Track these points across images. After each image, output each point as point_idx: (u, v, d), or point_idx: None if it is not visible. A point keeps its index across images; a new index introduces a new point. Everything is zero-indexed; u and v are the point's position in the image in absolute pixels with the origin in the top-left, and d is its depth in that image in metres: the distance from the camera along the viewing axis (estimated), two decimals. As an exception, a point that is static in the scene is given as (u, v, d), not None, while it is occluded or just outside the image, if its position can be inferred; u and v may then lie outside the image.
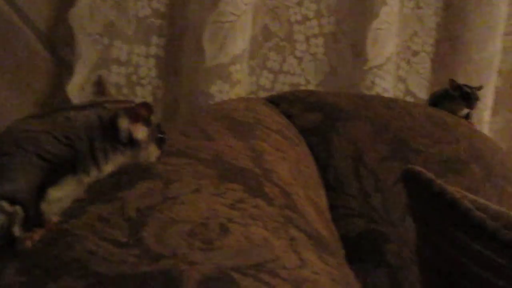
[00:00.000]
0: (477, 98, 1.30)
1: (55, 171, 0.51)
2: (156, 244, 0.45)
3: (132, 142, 0.56)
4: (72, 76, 1.08)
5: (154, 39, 1.17)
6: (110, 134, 0.55)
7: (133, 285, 0.41)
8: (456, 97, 1.29)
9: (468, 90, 1.29)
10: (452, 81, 1.30)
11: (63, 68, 1.11)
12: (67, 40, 1.09)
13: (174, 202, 0.52)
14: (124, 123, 0.55)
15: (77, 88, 1.08)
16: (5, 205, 0.47)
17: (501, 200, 1.10)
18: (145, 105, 0.56)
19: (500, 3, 1.46)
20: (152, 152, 0.58)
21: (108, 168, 0.55)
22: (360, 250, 0.99)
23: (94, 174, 0.54)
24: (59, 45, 1.11)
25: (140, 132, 0.56)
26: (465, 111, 1.31)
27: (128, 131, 0.55)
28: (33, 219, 0.48)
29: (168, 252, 0.44)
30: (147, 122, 0.57)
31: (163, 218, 0.48)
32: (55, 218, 0.51)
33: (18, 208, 0.47)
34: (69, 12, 1.05)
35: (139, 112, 0.56)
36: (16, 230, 0.47)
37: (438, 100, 1.32)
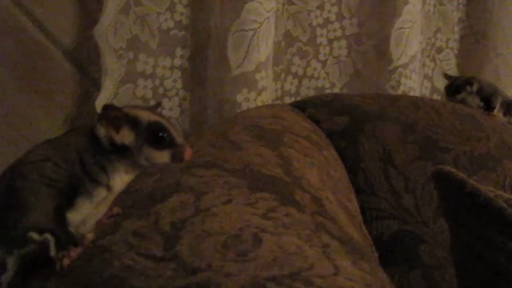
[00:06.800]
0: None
1: (66, 196, 0.51)
2: (191, 257, 0.45)
3: (122, 148, 0.53)
4: (100, 92, 1.09)
5: (178, 51, 1.18)
6: (98, 147, 0.53)
7: (171, 299, 0.42)
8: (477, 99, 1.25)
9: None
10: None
11: (91, 84, 1.13)
12: (93, 56, 1.11)
13: (206, 214, 0.52)
14: (101, 131, 0.53)
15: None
16: (34, 235, 0.49)
17: (536, 195, 1.08)
18: (106, 107, 0.53)
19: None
20: (152, 155, 0.54)
21: (116, 180, 0.54)
22: (394, 252, 0.98)
23: (101, 190, 0.53)
24: (86, 62, 1.13)
25: (122, 136, 0.53)
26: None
27: (108, 138, 0.53)
28: (66, 241, 0.49)
29: (204, 264, 0.44)
30: (132, 125, 0.53)
31: (196, 231, 0.49)
32: (90, 235, 0.52)
33: (47, 235, 0.49)
34: (94, 29, 1.07)
35: (107, 117, 0.53)
36: (52, 253, 0.49)
37: (458, 89, 1.27)
